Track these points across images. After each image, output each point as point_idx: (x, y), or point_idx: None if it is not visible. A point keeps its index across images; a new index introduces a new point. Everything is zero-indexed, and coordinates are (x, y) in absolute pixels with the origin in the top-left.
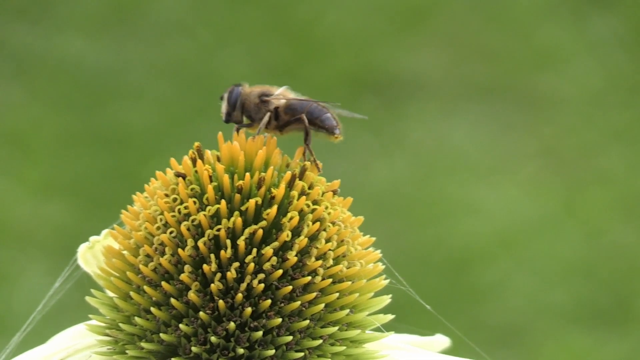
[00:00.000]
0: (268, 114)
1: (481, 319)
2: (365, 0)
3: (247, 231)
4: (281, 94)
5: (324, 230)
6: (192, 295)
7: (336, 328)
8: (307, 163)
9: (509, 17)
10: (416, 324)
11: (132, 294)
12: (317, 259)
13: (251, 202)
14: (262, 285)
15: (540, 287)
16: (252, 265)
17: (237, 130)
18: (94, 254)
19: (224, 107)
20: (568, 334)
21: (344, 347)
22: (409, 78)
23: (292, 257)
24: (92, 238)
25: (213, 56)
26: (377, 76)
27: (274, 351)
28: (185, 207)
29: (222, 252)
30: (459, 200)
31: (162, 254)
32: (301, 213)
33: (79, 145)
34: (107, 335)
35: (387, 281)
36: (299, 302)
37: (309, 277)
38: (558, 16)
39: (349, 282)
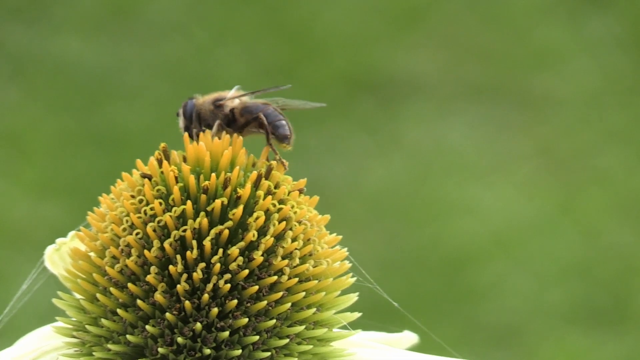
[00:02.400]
0: (218, 122)
1: (478, 320)
2: (361, 1)
3: (213, 231)
4: (234, 96)
5: (290, 229)
6: (158, 296)
7: (303, 327)
8: (273, 162)
9: (505, 17)
10: (395, 323)
11: (98, 295)
12: (283, 258)
13: (217, 203)
14: (229, 285)
15: (537, 288)
16: (218, 265)
17: (194, 138)
18: (60, 256)
19: (181, 122)
20: (565, 334)
21: (311, 346)
22: (405, 78)
23: (258, 256)
24: (59, 240)
25: (209, 56)
26: (373, 76)
27: (240, 351)
28: (151, 208)
29: (188, 252)
30: (455, 201)
31: (128, 255)
32: (267, 212)
33: (75, 146)
34: (74, 337)
35: (354, 279)
36: (265, 302)
37: (275, 277)
38: (555, 16)
39: (316, 281)
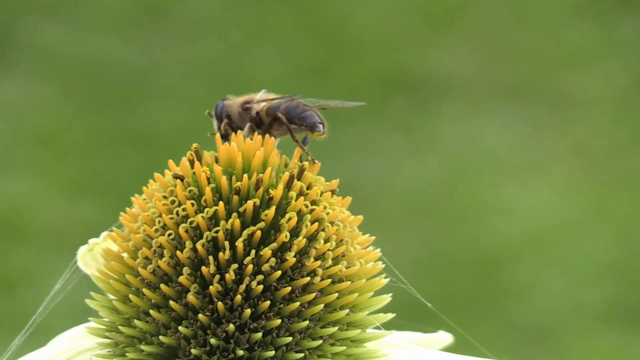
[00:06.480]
0: (249, 124)
1: (512, 319)
2: (396, 0)
3: (246, 232)
4: (261, 98)
5: (323, 230)
6: (191, 297)
7: (336, 328)
8: (306, 163)
9: (538, 18)
10: (430, 323)
11: (131, 296)
12: (315, 259)
13: (249, 204)
14: (261, 286)
15: (570, 288)
16: (250, 266)
17: (222, 139)
18: (93, 256)
19: (214, 123)
20: (598, 334)
21: (344, 347)
22: (440, 78)
23: (290, 257)
24: (91, 240)
25: (244, 56)
26: (408, 76)
27: (273, 352)
28: (184, 209)
29: (221, 253)
30: (489, 201)
31: (161, 256)
32: (299, 214)
33: (109, 145)
34: (107, 337)
35: (387, 280)
36: (298, 303)
37: (308, 278)
38: (587, 17)
39: (349, 282)
